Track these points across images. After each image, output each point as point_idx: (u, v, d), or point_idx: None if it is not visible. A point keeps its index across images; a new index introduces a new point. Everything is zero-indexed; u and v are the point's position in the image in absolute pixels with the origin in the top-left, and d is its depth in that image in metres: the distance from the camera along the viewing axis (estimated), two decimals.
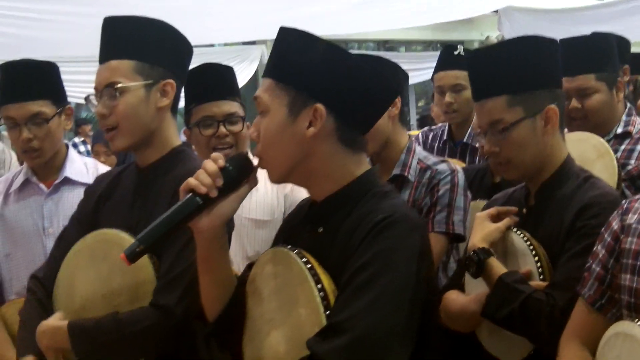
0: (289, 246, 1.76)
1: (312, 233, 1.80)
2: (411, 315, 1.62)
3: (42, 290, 2.27)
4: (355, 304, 1.58)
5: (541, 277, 2.03)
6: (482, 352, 2.17)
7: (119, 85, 2.14)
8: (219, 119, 2.77)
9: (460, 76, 3.57)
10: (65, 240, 2.33)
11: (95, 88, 2.21)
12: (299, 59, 1.71)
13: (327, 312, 1.61)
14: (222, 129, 2.77)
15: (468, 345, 2.21)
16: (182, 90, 2.56)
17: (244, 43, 9.85)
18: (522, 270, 2.04)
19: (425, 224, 1.79)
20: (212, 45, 9.62)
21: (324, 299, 1.63)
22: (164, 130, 2.25)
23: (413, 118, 13.46)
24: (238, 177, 1.75)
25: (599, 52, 2.97)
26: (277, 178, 1.80)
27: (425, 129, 4.00)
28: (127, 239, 2.08)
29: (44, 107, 2.75)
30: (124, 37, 2.19)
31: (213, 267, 1.84)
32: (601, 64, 2.95)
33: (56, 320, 2.14)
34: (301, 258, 1.69)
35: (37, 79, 2.76)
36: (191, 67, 2.85)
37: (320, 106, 1.69)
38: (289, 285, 1.71)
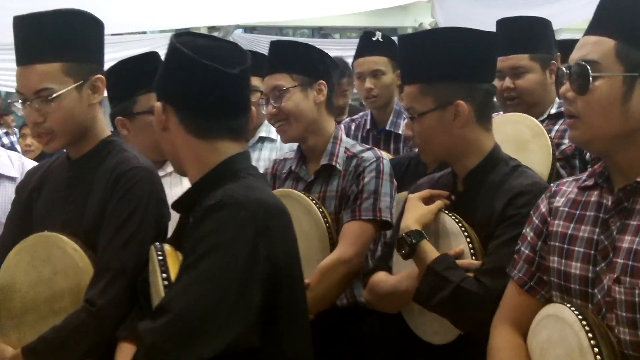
0: (157, 243, 1.92)
1: (183, 221, 1.94)
2: (242, 295, 1.67)
3: None
4: (177, 285, 1.71)
5: (473, 257, 2.05)
6: (406, 334, 2.20)
7: (54, 94, 2.09)
8: None
9: (379, 62, 3.63)
10: (2, 243, 2.27)
11: (20, 92, 2.14)
12: (161, 69, 1.91)
13: (165, 277, 1.80)
14: None
15: (393, 328, 2.24)
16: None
17: (177, 30, 9.74)
18: (455, 250, 2.07)
19: (273, 205, 1.82)
20: (144, 32, 9.47)
21: (163, 267, 1.80)
22: (96, 123, 2.23)
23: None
24: None
25: (534, 33, 3.01)
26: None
27: (347, 119, 4.02)
28: (67, 242, 2.07)
29: None
30: (47, 37, 2.11)
31: None
32: (536, 45, 2.98)
33: (8, 352, 2.09)
34: (157, 251, 1.86)
35: None
36: (135, 54, 2.79)
37: (158, 104, 1.87)
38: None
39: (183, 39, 1.87)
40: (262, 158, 3.56)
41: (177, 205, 1.95)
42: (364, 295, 2.36)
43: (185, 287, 1.68)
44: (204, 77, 1.83)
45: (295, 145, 2.81)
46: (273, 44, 2.80)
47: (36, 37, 2.12)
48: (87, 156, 2.22)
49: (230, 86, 1.87)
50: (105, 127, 2.28)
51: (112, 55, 2.81)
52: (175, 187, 2.71)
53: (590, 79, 1.60)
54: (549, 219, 1.78)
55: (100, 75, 2.18)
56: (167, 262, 1.81)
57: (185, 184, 2.40)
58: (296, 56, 2.71)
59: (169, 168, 2.81)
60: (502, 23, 3.03)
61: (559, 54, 3.07)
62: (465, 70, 2.14)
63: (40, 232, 2.14)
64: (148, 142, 2.71)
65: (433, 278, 2.02)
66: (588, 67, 1.60)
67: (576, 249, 1.69)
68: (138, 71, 2.76)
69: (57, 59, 2.10)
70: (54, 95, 2.09)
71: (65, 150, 2.29)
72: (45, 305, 2.08)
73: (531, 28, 3.03)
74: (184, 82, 1.85)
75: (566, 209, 1.76)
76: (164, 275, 1.79)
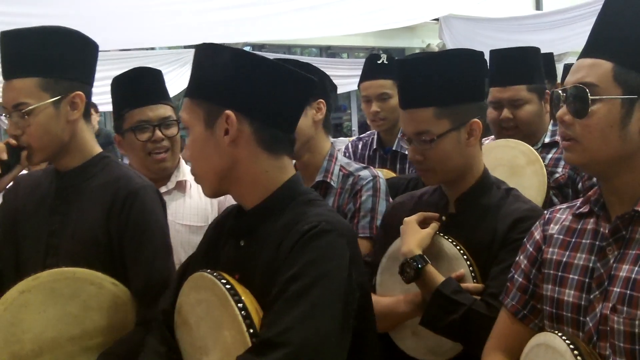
0: (209, 270, 1.76)
1: (235, 246, 1.81)
2: (345, 323, 1.63)
3: None
4: (288, 316, 1.58)
5: (474, 280, 2.06)
6: (398, 353, 2.20)
7: (27, 108, 2.12)
8: (154, 123, 2.77)
9: (385, 85, 3.65)
10: None
11: (4, 107, 2.18)
12: (207, 72, 1.75)
13: (251, 331, 1.61)
14: (158, 133, 2.77)
15: (386, 347, 2.23)
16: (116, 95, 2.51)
17: (186, 47, 9.79)
18: (456, 273, 2.07)
19: (353, 230, 1.79)
20: (152, 49, 9.53)
21: (246, 317, 1.62)
22: (80, 138, 2.25)
23: (355, 124, 13.53)
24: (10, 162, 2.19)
25: (530, 64, 3.05)
26: (210, 192, 1.83)
27: (354, 138, 4.04)
28: (105, 278, 2.06)
29: None
30: (25, 53, 2.15)
31: None
32: (532, 76, 3.03)
33: None
34: (220, 280, 1.69)
35: None
36: (124, 70, 2.83)
37: (229, 112, 1.71)
38: (213, 310, 1.71)
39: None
40: None
41: (234, 230, 1.85)
42: None
43: (301, 319, 1.57)
44: (283, 83, 1.76)
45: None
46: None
47: (15, 53, 2.16)
48: (77, 170, 2.25)
49: (304, 95, 1.85)
50: (94, 141, 2.31)
51: (120, 72, 2.84)
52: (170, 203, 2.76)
53: (589, 101, 1.59)
54: (543, 247, 1.78)
55: (79, 92, 2.20)
56: (237, 291, 1.67)
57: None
58: None
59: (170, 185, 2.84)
60: (496, 53, 3.07)
61: (558, 82, 3.10)
62: (474, 89, 2.18)
63: (58, 269, 2.06)
64: (138, 159, 2.75)
65: (442, 301, 2.02)
66: (586, 89, 1.59)
67: (570, 276, 1.68)
68: (124, 89, 2.80)
69: (33, 74, 2.14)
70: (27, 109, 2.12)
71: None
72: (71, 344, 2.02)
73: (525, 59, 3.06)
74: (262, 88, 1.74)
75: (560, 237, 1.75)
76: (240, 305, 1.64)
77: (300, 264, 1.62)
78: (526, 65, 3.03)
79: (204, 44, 1.78)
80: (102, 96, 3.79)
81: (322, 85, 2.75)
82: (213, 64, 1.74)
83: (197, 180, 1.82)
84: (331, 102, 2.79)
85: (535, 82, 3.02)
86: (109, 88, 2.85)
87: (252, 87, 1.74)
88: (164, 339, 1.86)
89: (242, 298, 1.65)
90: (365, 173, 2.68)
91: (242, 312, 1.63)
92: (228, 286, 1.68)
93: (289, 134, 1.81)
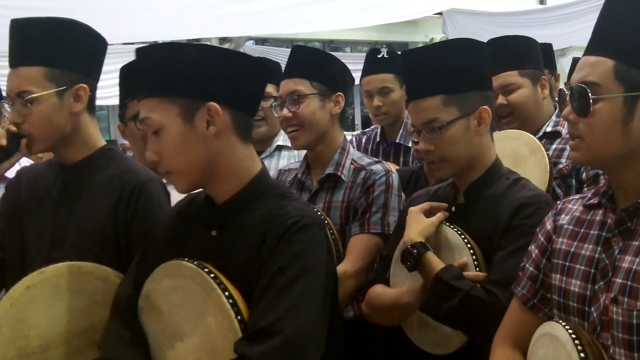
0: (186, 258, 1.80)
1: (206, 236, 1.85)
2: (324, 311, 1.73)
3: None
4: (279, 307, 1.66)
5: (477, 269, 2.06)
6: (408, 346, 2.21)
7: (30, 95, 2.12)
8: None
9: (386, 79, 3.66)
10: None
11: (8, 94, 2.18)
12: (176, 69, 1.78)
13: (239, 317, 1.67)
14: None
15: (396, 341, 2.24)
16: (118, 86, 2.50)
17: (188, 40, 9.78)
18: (459, 262, 2.08)
19: (323, 223, 1.86)
20: (156, 42, 9.52)
21: (234, 305, 1.69)
22: (83, 131, 2.25)
23: (358, 118, 13.52)
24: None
25: (521, 51, 3.07)
26: (187, 187, 1.86)
27: (358, 132, 4.06)
28: (108, 271, 2.06)
29: None
30: (34, 42, 2.15)
31: None
32: (524, 62, 3.05)
33: None
34: (203, 269, 1.75)
35: None
36: (128, 62, 2.83)
37: (213, 104, 1.77)
38: (193, 297, 1.75)
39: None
40: (281, 166, 3.57)
41: (207, 220, 1.88)
42: (362, 308, 2.36)
43: (292, 308, 1.66)
44: (249, 70, 1.84)
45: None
46: (296, 48, 2.81)
47: (24, 41, 2.17)
48: (82, 163, 2.26)
49: (265, 80, 1.93)
50: (98, 135, 2.31)
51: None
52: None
53: (591, 101, 1.59)
54: (553, 237, 1.79)
55: (83, 85, 2.20)
56: (222, 280, 1.72)
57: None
58: (318, 65, 2.72)
59: None
60: (490, 43, 3.08)
61: (558, 73, 3.11)
62: (481, 78, 2.20)
63: (65, 263, 2.06)
64: (138, 148, 2.75)
65: (441, 287, 2.03)
66: (588, 90, 1.60)
67: (577, 266, 1.69)
68: (129, 78, 2.79)
69: (40, 63, 2.14)
70: (29, 97, 2.12)
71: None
72: (78, 338, 2.03)
73: (517, 46, 3.08)
74: (233, 77, 1.81)
75: (570, 227, 1.76)
76: (227, 293, 1.70)
77: (287, 257, 1.70)
78: (515, 52, 3.05)
79: (163, 44, 1.86)
80: (104, 90, 3.80)
81: (342, 79, 2.76)
82: (180, 61, 1.78)
83: (172, 177, 1.83)
84: (348, 96, 2.78)
85: (527, 67, 3.03)
86: (111, 82, 2.85)
87: (225, 77, 1.80)
88: (127, 324, 1.89)
89: (228, 287, 1.71)
90: (378, 167, 2.66)
91: (229, 300, 1.69)
92: (212, 275, 1.73)
93: (253, 120, 1.90)
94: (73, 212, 2.20)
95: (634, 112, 1.59)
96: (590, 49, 1.66)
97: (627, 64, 1.59)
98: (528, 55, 3.08)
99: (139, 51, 1.85)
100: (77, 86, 2.19)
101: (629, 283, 1.55)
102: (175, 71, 1.78)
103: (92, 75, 2.26)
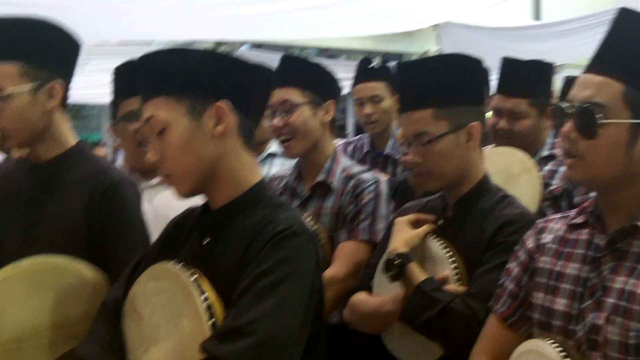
0: (173, 261, 1.79)
1: (198, 243, 1.83)
2: (305, 322, 1.68)
3: None
4: (257, 308, 1.61)
5: (459, 282, 2.08)
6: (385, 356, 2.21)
7: (5, 92, 2.12)
8: None
9: (377, 87, 3.69)
10: None
11: None
12: (181, 69, 1.77)
13: (212, 321, 1.63)
14: None
15: (380, 347, 2.24)
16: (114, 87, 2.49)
17: (184, 42, 9.77)
18: (440, 275, 2.08)
19: (316, 237, 1.84)
20: (150, 43, 9.50)
21: (209, 308, 1.65)
22: (56, 128, 2.26)
23: (350, 126, 13.52)
24: None
25: (537, 79, 3.04)
26: (187, 191, 1.82)
27: (343, 141, 4.06)
28: (84, 266, 2.06)
29: None
30: (9, 39, 2.16)
31: None
32: (536, 91, 3.02)
33: None
34: (186, 271, 1.72)
35: None
36: (123, 61, 2.83)
37: (222, 103, 1.75)
38: (174, 300, 1.73)
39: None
40: (272, 174, 3.57)
41: (199, 226, 1.88)
42: (344, 315, 2.36)
43: (270, 311, 1.62)
44: (256, 76, 1.85)
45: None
46: (286, 57, 2.82)
47: (0, 37, 2.16)
48: (54, 161, 2.26)
49: (270, 89, 1.94)
50: (70, 133, 2.32)
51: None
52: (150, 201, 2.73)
53: (598, 123, 1.58)
54: (535, 255, 1.78)
55: (58, 82, 2.21)
56: (200, 282, 1.70)
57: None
58: (309, 73, 2.73)
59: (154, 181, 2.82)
60: (507, 61, 3.07)
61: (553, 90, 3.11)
62: (473, 93, 2.20)
63: (38, 258, 2.06)
64: (128, 149, 2.75)
65: (421, 298, 2.04)
66: (595, 110, 1.58)
67: (562, 285, 1.69)
68: (121, 78, 2.80)
69: (15, 59, 2.15)
70: (3, 93, 2.13)
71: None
72: (51, 331, 2.02)
73: (532, 74, 3.05)
74: (241, 81, 1.81)
75: (554, 246, 1.76)
76: (203, 296, 1.67)
77: (271, 261, 1.67)
78: (533, 79, 3.02)
79: (169, 48, 1.84)
80: (98, 89, 3.80)
81: (332, 88, 2.77)
82: (187, 61, 1.77)
83: (172, 180, 1.80)
84: (338, 104, 2.80)
85: (538, 97, 3.01)
86: (106, 81, 2.85)
87: (235, 78, 1.79)
88: (110, 328, 1.88)
89: (205, 289, 1.68)
90: (367, 176, 2.68)
91: (205, 302, 1.66)
92: (193, 278, 1.70)
93: (257, 125, 1.88)
94: (45, 210, 2.20)
95: (638, 137, 1.58)
96: (594, 68, 1.63)
97: (636, 89, 1.57)
98: (540, 84, 3.05)
99: (143, 56, 1.84)
100: (51, 83, 2.20)
101: (622, 303, 1.55)
102: (183, 70, 1.77)
103: (66, 73, 2.27)
